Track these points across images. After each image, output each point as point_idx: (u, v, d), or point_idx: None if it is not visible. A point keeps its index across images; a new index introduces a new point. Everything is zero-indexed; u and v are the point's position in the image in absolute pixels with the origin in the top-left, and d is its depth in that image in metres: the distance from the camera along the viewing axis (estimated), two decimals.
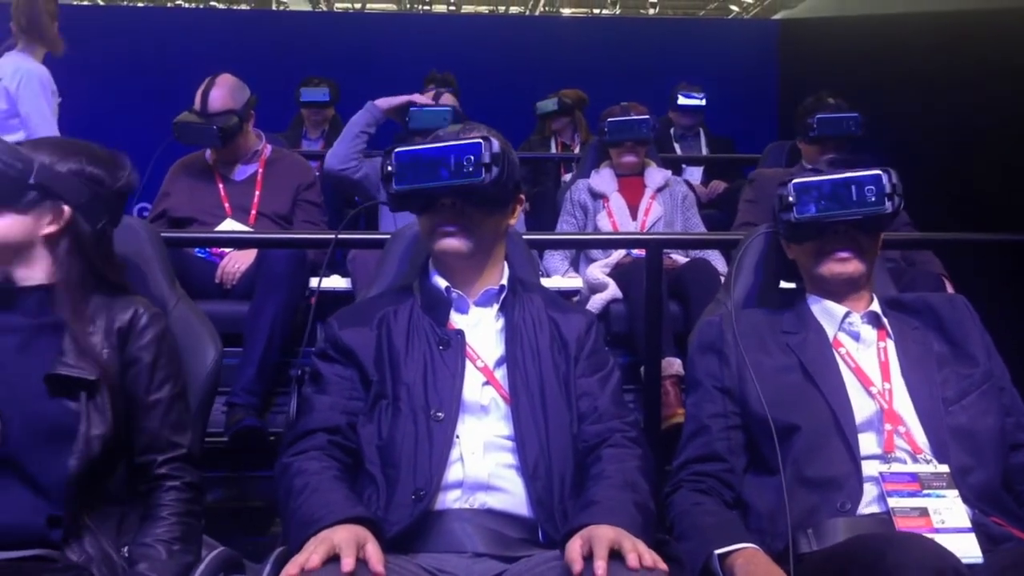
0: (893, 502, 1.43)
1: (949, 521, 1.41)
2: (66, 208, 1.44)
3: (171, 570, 1.37)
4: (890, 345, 1.60)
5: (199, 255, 2.81)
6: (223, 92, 2.90)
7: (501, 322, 1.56)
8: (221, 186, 2.97)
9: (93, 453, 1.35)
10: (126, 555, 1.38)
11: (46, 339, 1.40)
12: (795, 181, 1.61)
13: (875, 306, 1.65)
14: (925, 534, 1.38)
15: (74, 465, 1.33)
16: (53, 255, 1.45)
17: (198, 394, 1.60)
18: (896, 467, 1.47)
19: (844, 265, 1.61)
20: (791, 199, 1.60)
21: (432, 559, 1.35)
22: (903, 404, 1.53)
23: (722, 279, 2.12)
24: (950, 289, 2.65)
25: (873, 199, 1.57)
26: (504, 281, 1.59)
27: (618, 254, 3.11)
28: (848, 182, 1.59)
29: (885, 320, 1.63)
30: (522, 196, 1.63)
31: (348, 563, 1.16)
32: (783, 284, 1.77)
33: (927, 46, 4.03)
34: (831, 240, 1.61)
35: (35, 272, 1.44)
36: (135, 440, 1.44)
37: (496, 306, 1.58)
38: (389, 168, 1.51)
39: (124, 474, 1.44)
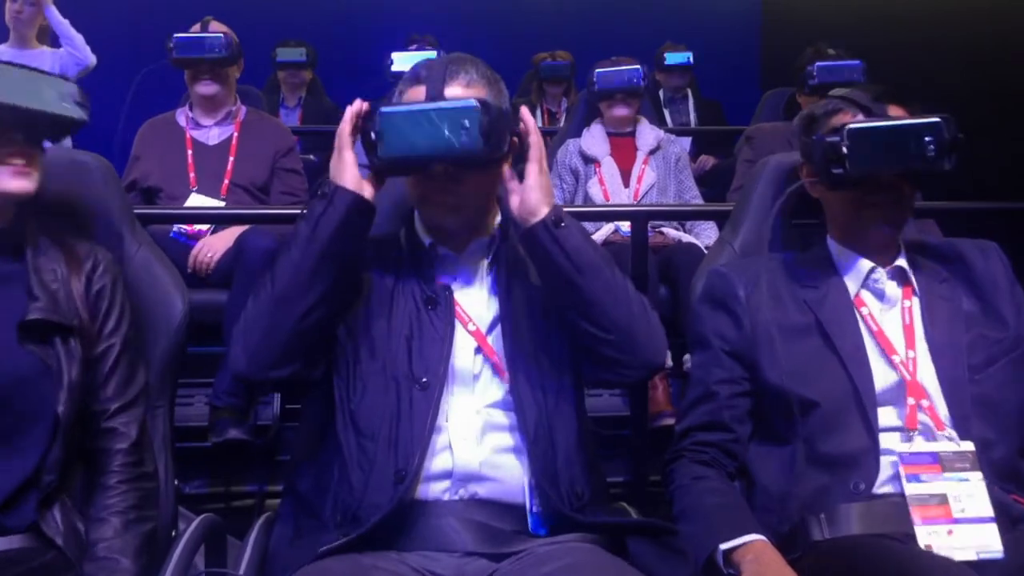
0: (911, 488, 1.34)
1: (970, 510, 1.33)
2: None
3: (132, 543, 1.30)
4: (915, 304, 1.48)
5: (173, 237, 2.63)
6: (220, 26, 2.89)
7: (493, 275, 1.44)
8: (190, 152, 2.83)
9: (75, 402, 1.30)
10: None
11: (12, 287, 1.34)
12: (850, 127, 1.41)
13: (901, 259, 1.52)
14: (944, 525, 1.32)
15: (65, 409, 1.28)
16: (21, 203, 1.36)
17: (166, 350, 1.51)
18: (917, 445, 1.38)
19: (885, 226, 1.48)
20: (844, 150, 1.40)
21: (422, 558, 1.26)
22: (926, 373, 1.42)
23: None
24: None
25: (932, 153, 1.40)
26: (495, 229, 1.46)
27: (608, 228, 3.01)
28: (906, 131, 1.41)
29: (912, 275, 1.50)
30: (515, 140, 1.44)
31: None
32: (796, 220, 1.63)
33: (913, 10, 3.97)
34: (874, 191, 1.46)
35: (7, 218, 1.36)
36: (89, 388, 1.36)
37: (488, 259, 1.45)
38: (373, 132, 1.33)
39: (80, 432, 1.36)
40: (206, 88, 2.86)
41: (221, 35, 2.83)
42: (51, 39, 3.85)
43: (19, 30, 3.67)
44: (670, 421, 2.45)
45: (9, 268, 1.35)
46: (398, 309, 1.39)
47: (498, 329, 1.40)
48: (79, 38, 3.76)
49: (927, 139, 1.40)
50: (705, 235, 3.04)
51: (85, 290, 1.38)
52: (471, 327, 1.39)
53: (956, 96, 3.47)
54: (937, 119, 1.41)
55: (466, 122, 1.30)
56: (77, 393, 1.31)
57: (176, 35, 2.83)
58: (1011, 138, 3.16)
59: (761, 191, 1.68)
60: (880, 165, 1.42)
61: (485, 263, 1.45)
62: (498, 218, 1.48)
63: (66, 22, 3.75)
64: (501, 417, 1.36)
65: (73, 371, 1.31)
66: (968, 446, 1.37)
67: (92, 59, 3.78)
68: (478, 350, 1.39)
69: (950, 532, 1.31)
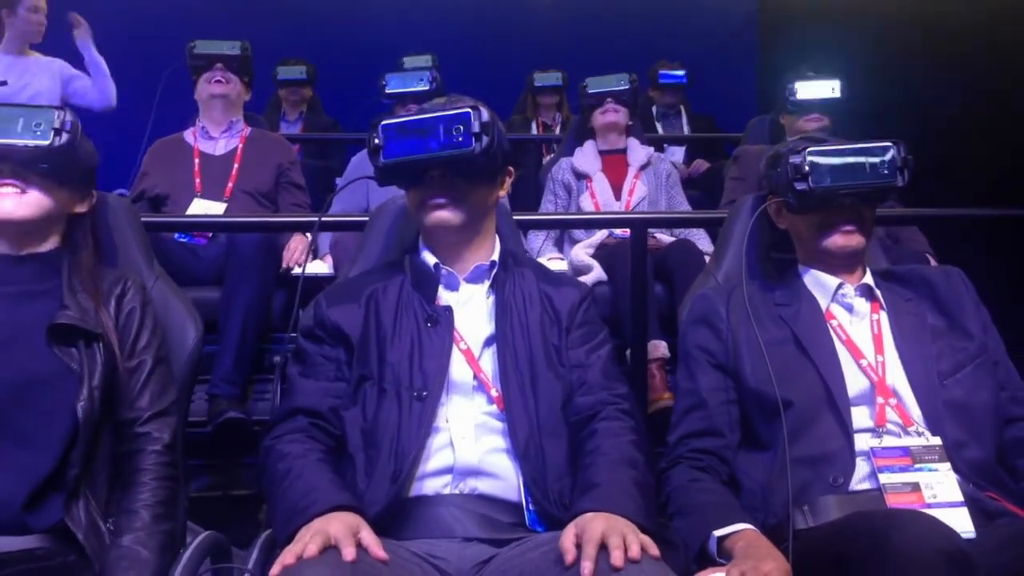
0: (884, 478, 1.42)
1: (941, 496, 1.41)
2: (95, 191, 1.57)
3: (156, 536, 1.37)
4: (883, 317, 1.59)
5: (178, 239, 2.74)
6: None
7: (492, 299, 1.53)
8: (197, 161, 2.93)
9: (95, 403, 1.39)
10: (111, 527, 1.38)
11: (48, 300, 1.46)
12: (811, 150, 1.59)
13: (868, 278, 1.64)
14: (917, 509, 1.37)
15: (84, 407, 1.37)
16: (70, 231, 1.54)
17: (180, 375, 1.58)
18: (888, 441, 1.46)
19: (849, 238, 1.59)
20: (807, 169, 1.57)
21: (423, 544, 1.33)
22: (897, 377, 1.52)
23: (707, 259, 2.10)
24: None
25: (886, 171, 1.58)
26: (495, 256, 1.56)
27: (601, 234, 3.09)
28: (862, 153, 1.59)
29: (878, 292, 1.62)
30: (511, 168, 1.59)
31: (350, 552, 1.15)
32: (773, 254, 1.74)
33: (908, 21, 4.02)
34: (836, 212, 1.59)
35: (45, 243, 1.51)
36: (120, 401, 1.46)
37: (487, 282, 1.55)
38: (376, 140, 1.47)
39: (110, 439, 1.45)
40: (218, 87, 2.97)
41: (238, 42, 2.97)
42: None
43: (19, 38, 3.66)
44: (668, 404, 2.52)
45: (50, 285, 1.49)
46: (402, 329, 1.48)
47: (491, 349, 1.49)
48: (110, 81, 3.79)
49: (880, 160, 1.58)
50: (697, 243, 3.09)
51: (115, 310, 1.50)
52: (463, 346, 1.48)
53: (948, 110, 3.54)
54: (888, 143, 1.60)
55: (460, 126, 1.43)
56: (99, 395, 1.41)
57: (197, 40, 2.96)
58: (1007, 147, 3.21)
59: (740, 227, 1.80)
60: (840, 181, 1.57)
61: (485, 285, 1.55)
62: (498, 248, 1.58)
63: (101, 60, 3.76)
64: (496, 424, 1.44)
65: (95, 375, 1.41)
66: (936, 440, 1.46)
67: (114, 102, 3.79)
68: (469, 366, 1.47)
69: None
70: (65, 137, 1.47)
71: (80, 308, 1.45)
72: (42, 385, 1.39)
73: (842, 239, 1.59)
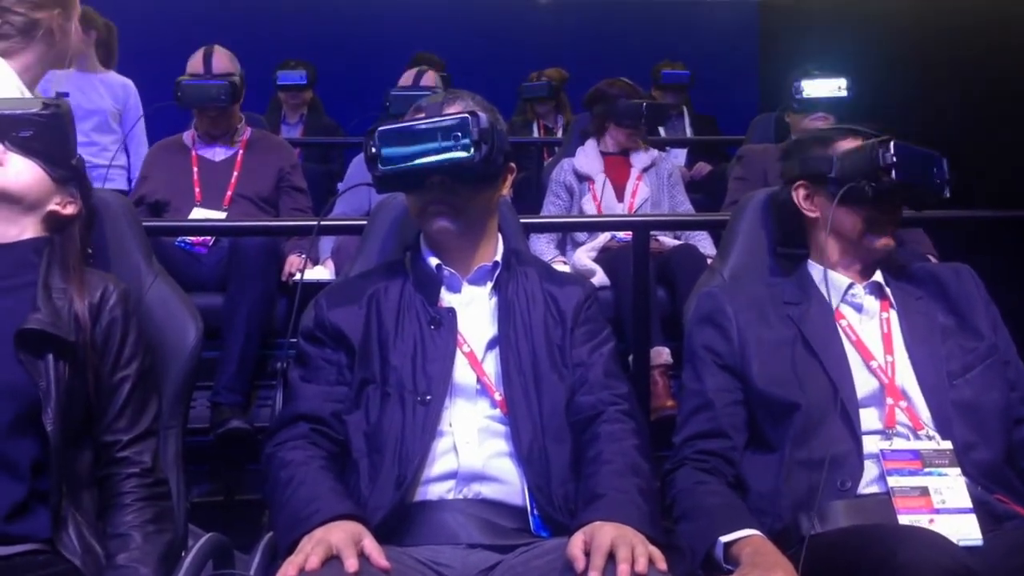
0: (893, 481, 1.40)
1: (950, 501, 1.39)
2: (82, 202, 1.50)
3: (152, 553, 1.33)
4: (893, 316, 1.57)
5: (177, 246, 2.74)
6: (223, 57, 2.94)
7: (495, 300, 1.52)
8: (196, 169, 2.92)
9: (70, 421, 1.32)
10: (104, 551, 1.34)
11: (19, 297, 1.37)
12: (896, 142, 1.55)
13: (878, 276, 1.61)
14: (925, 515, 1.37)
15: (54, 432, 1.29)
16: (55, 229, 1.46)
17: (179, 375, 1.56)
18: (897, 443, 1.44)
19: (890, 240, 1.59)
20: (893, 159, 1.53)
21: (426, 551, 1.32)
22: (906, 378, 1.50)
23: (709, 263, 2.09)
24: None
25: (939, 181, 1.59)
26: (498, 257, 1.55)
27: (604, 237, 3.08)
28: (932, 158, 1.59)
29: (888, 290, 1.60)
30: (512, 166, 1.57)
31: (352, 564, 1.14)
32: (779, 249, 1.73)
33: (910, 24, 4.01)
34: (890, 212, 1.59)
35: (19, 233, 1.44)
36: (97, 421, 1.40)
37: (490, 284, 1.53)
38: (372, 148, 1.44)
39: (90, 457, 1.40)
40: (211, 127, 2.96)
41: (225, 82, 2.88)
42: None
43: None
44: (671, 412, 2.51)
45: (24, 279, 1.40)
46: (404, 331, 1.46)
47: (494, 351, 1.47)
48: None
49: (936, 169, 1.60)
50: (700, 246, 3.10)
51: (91, 317, 1.39)
52: (466, 348, 1.46)
53: (950, 113, 3.53)
54: (943, 157, 1.61)
55: (458, 133, 1.41)
56: (67, 414, 1.32)
57: (184, 80, 2.89)
58: (1013, 148, 3.20)
59: (747, 224, 1.79)
60: (915, 179, 1.56)
61: (488, 286, 1.53)
62: (501, 248, 1.56)
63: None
64: (500, 427, 1.43)
65: (61, 393, 1.32)
66: (947, 445, 1.44)
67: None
68: (473, 369, 1.46)
69: (931, 521, 1.36)
70: (52, 109, 1.43)
71: (52, 311, 1.35)
72: (6, 395, 1.30)
73: (888, 241, 1.59)
